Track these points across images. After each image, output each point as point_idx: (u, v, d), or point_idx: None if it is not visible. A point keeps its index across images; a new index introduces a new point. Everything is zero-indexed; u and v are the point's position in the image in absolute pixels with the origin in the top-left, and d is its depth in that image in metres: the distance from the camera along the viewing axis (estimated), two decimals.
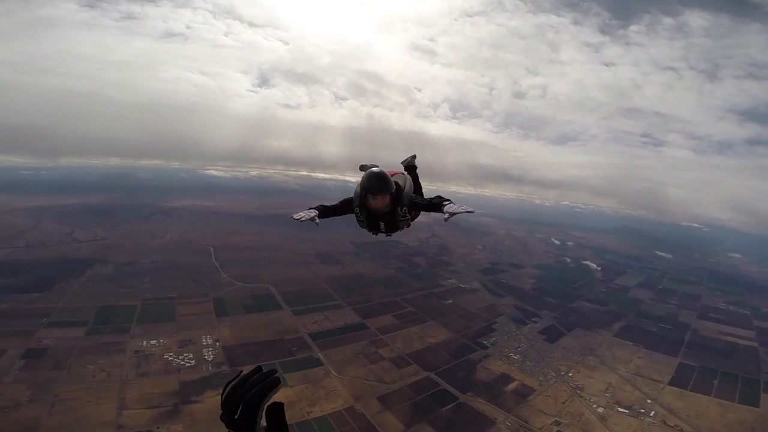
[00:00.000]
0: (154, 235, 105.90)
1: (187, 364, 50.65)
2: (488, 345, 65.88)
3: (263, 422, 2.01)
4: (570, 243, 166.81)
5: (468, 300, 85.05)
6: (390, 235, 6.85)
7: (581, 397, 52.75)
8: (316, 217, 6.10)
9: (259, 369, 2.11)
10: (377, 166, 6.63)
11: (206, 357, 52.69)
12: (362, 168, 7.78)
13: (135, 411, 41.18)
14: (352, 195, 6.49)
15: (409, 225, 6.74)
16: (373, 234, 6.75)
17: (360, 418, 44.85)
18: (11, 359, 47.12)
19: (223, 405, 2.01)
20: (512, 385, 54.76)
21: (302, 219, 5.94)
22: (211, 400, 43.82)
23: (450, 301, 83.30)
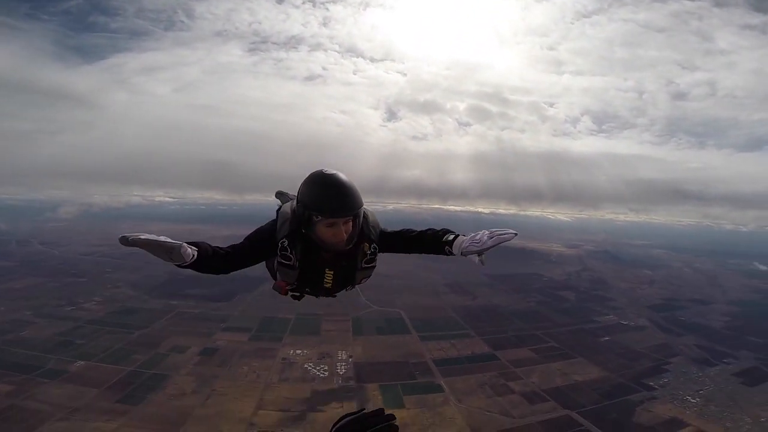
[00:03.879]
0: None
1: (321, 375, 54.69)
2: (656, 387, 53.91)
3: None
4: None
5: (631, 338, 71.50)
6: (335, 296, 4.12)
7: None
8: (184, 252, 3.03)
9: (381, 411, 2.05)
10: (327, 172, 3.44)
11: (338, 371, 56.10)
12: (280, 195, 5.09)
13: (268, 412, 45.67)
14: (257, 227, 3.88)
15: (368, 277, 3.94)
16: (305, 294, 4.06)
17: None
18: (191, 355, 58.37)
19: None
20: (684, 431, 43.94)
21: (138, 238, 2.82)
22: (333, 411, 45.89)
23: (606, 338, 71.20)
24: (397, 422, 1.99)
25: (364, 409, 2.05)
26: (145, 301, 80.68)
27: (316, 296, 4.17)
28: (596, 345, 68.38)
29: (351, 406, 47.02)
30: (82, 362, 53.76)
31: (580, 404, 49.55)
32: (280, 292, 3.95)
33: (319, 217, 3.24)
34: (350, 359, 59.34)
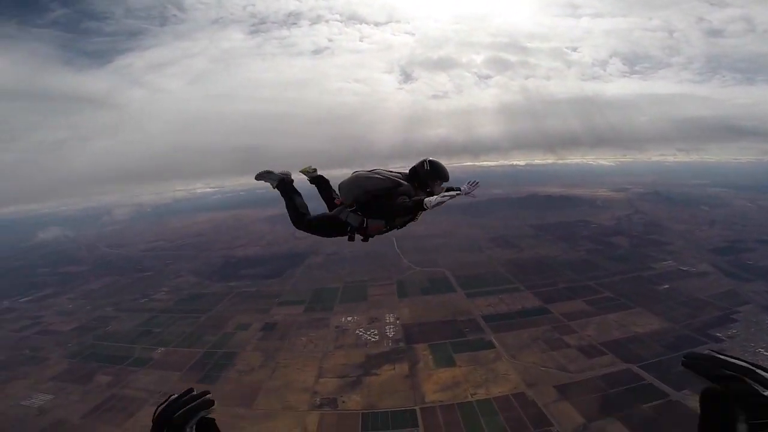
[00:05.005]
0: None
1: (372, 339, 56.92)
2: (723, 338, 50.44)
3: None
4: None
5: (693, 285, 66.91)
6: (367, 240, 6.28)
7: None
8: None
9: (190, 390, 2.07)
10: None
11: (388, 333, 58.12)
12: (266, 174, 6.91)
13: (328, 379, 48.30)
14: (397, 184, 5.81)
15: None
16: (383, 233, 6.22)
17: (530, 405, 40.88)
18: (254, 331, 62.52)
19: (153, 428, 1.92)
20: None
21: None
22: (388, 374, 48.30)
23: (666, 287, 67.23)
24: (210, 396, 2.05)
25: (172, 395, 2.04)
26: (206, 286, 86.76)
27: (387, 231, 6.12)
28: (655, 294, 64.95)
29: (403, 368, 49.09)
30: (162, 348, 59.27)
31: (642, 357, 47.46)
32: (372, 234, 6.04)
33: (442, 183, 5.81)
34: (398, 321, 61.18)
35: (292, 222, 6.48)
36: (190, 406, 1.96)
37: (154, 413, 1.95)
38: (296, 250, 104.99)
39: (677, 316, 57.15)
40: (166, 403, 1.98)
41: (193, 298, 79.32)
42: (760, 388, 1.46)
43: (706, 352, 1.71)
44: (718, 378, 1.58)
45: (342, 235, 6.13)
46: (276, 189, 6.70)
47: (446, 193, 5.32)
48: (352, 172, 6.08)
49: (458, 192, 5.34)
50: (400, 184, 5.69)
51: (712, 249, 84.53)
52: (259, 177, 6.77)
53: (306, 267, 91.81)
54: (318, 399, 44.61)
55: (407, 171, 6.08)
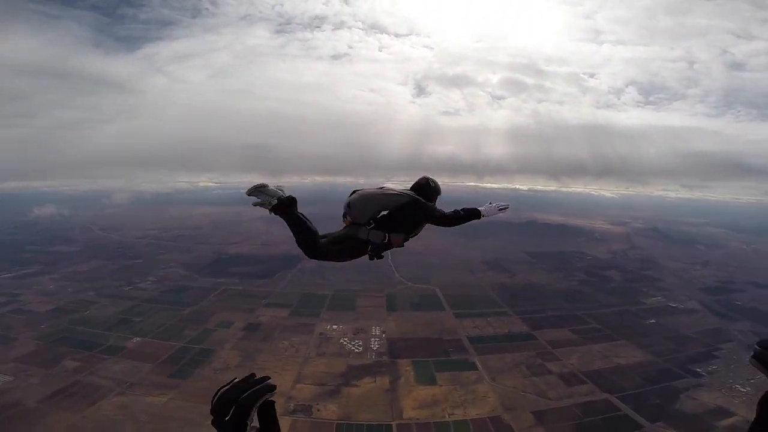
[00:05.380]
0: None
1: (356, 350, 56.20)
2: (703, 373, 51.01)
3: (254, 423, 2.03)
4: None
5: (680, 321, 67.69)
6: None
7: None
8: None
9: (252, 375, 2.17)
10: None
11: (372, 346, 57.41)
12: (260, 188, 5.38)
13: (305, 386, 47.42)
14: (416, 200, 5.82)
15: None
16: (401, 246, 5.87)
17: (505, 429, 40.46)
18: (236, 330, 61.73)
19: (214, 408, 2.01)
20: (729, 421, 41.34)
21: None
22: (368, 386, 47.53)
23: (653, 321, 67.82)
24: (272, 381, 2.14)
25: (235, 378, 2.13)
26: (194, 279, 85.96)
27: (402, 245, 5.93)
28: (641, 327, 65.27)
29: (384, 382, 48.34)
30: (139, 339, 58.31)
31: (621, 388, 47.67)
32: (396, 246, 5.76)
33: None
34: (384, 335, 60.51)
35: (307, 251, 5.34)
36: (256, 388, 2.06)
37: (215, 395, 2.05)
38: (291, 252, 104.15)
39: (661, 350, 57.47)
40: (230, 385, 2.09)
41: (179, 291, 78.51)
42: None
43: None
44: None
45: (360, 256, 5.73)
46: (274, 213, 5.25)
47: (501, 205, 5.96)
48: (352, 191, 5.93)
49: (507, 207, 6.01)
50: (419, 199, 5.83)
51: (703, 288, 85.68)
52: (251, 193, 5.21)
53: (298, 271, 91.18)
54: (292, 404, 43.76)
55: (403, 188, 6.19)
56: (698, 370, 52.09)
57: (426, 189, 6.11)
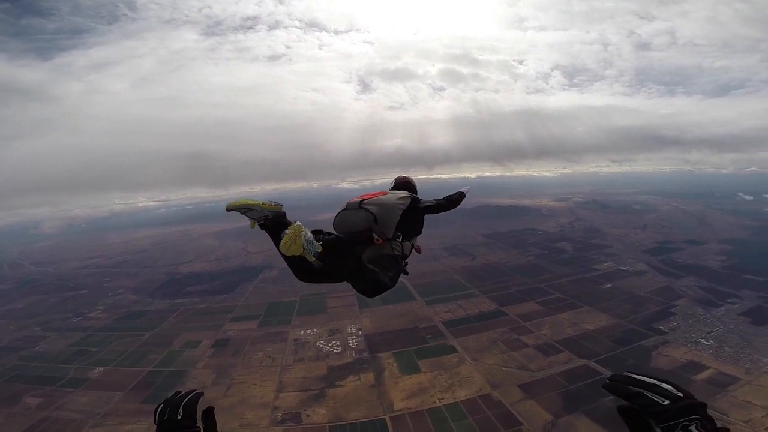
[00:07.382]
0: None
1: (334, 351, 55.32)
2: (666, 330, 54.70)
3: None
4: None
5: (633, 283, 72.84)
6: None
7: None
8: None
9: (178, 392, 2.32)
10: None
11: (350, 344, 56.82)
12: (248, 208, 4.16)
13: (289, 393, 45.98)
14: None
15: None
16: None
17: (497, 405, 41.44)
18: (204, 348, 58.62)
19: (161, 420, 2.15)
20: (705, 374, 44.26)
21: None
22: (353, 384, 46.88)
23: (609, 286, 72.41)
24: (196, 389, 2.34)
25: (167, 397, 2.29)
26: (149, 303, 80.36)
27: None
28: (600, 293, 69.56)
29: (369, 378, 47.93)
30: (101, 368, 53.97)
31: (596, 353, 50.04)
32: (419, 251, 5.56)
33: None
34: (360, 332, 60.09)
35: (298, 275, 4.44)
36: (189, 398, 2.22)
37: (156, 411, 2.17)
38: (248, 264, 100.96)
39: (622, 312, 61.19)
40: (164, 403, 2.21)
41: (134, 316, 73.09)
42: (659, 399, 1.78)
43: (625, 373, 2.01)
44: (628, 395, 1.88)
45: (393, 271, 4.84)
46: (262, 228, 4.21)
47: (468, 188, 6.42)
48: (344, 206, 4.98)
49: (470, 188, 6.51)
50: (416, 195, 5.68)
51: (646, 250, 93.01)
52: (232, 208, 4.15)
53: (260, 281, 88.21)
54: (280, 414, 42.15)
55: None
56: (661, 327, 55.57)
57: (412, 186, 6.25)
